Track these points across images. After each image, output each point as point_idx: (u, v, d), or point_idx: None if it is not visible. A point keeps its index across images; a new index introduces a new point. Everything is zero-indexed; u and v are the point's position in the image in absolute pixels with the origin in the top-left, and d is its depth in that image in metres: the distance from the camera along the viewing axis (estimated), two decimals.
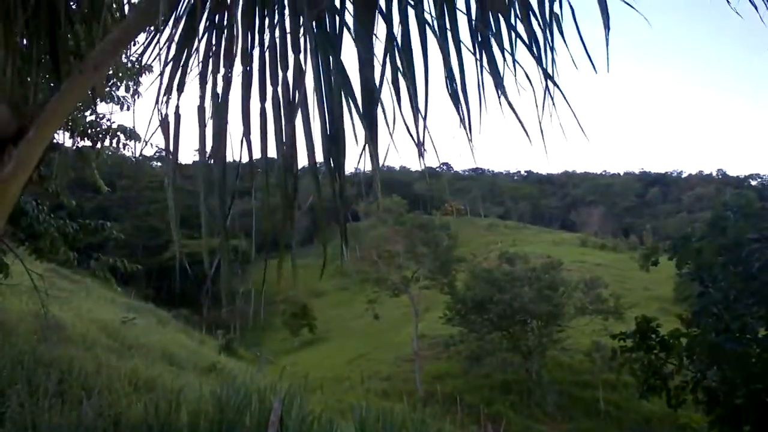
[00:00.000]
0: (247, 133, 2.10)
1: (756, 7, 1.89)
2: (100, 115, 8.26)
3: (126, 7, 2.83)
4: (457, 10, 2.23)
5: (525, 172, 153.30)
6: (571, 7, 2.00)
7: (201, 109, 2.04)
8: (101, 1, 2.39)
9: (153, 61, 2.21)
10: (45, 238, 8.28)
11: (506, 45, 2.13)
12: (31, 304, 11.19)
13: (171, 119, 1.99)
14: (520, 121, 2.00)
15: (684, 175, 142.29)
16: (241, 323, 56.82)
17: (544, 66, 2.00)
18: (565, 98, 1.90)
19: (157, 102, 1.98)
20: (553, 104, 1.92)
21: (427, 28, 2.18)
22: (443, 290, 38.88)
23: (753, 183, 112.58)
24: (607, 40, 1.90)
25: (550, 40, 2.02)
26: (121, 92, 7.62)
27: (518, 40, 2.09)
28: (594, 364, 32.48)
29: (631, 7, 1.97)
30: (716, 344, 7.52)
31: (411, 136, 2.09)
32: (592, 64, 1.87)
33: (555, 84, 1.94)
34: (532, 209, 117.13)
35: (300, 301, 53.50)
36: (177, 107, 2.02)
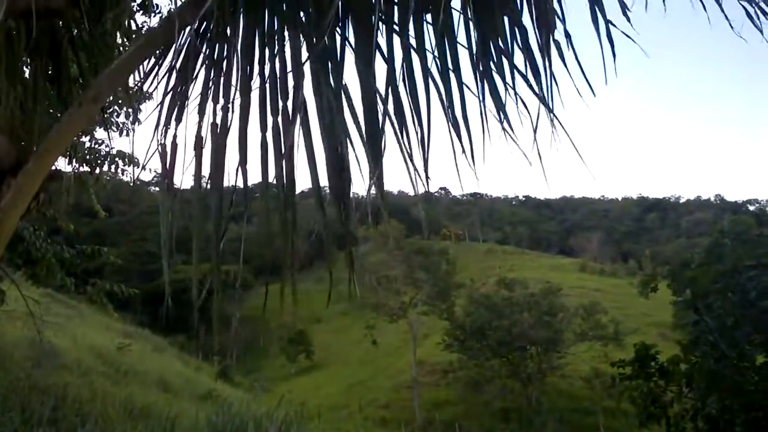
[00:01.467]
0: (243, 162, 2.11)
1: (761, 31, 1.91)
2: (99, 141, 8.31)
3: (124, 39, 2.87)
4: (458, 38, 2.26)
5: (523, 196, 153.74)
6: (567, 33, 2.02)
7: (198, 139, 2.05)
8: (102, 30, 2.42)
9: (153, 90, 2.23)
10: (42, 264, 8.26)
11: (507, 76, 2.16)
12: (27, 329, 11.10)
13: (168, 149, 2.00)
14: (521, 150, 2.02)
15: (682, 200, 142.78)
16: (238, 349, 56.39)
17: (545, 99, 2.02)
18: (565, 130, 1.91)
19: (155, 131, 1.99)
20: (553, 130, 1.94)
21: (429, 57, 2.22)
22: (442, 316, 38.70)
23: (751, 208, 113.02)
24: (605, 54, 1.92)
25: (548, 73, 2.04)
26: (121, 118, 7.68)
27: (517, 72, 2.11)
28: (594, 391, 32.22)
29: (631, 39, 2.00)
30: (715, 372, 7.47)
31: (414, 166, 2.10)
32: (591, 89, 1.89)
33: (555, 116, 1.96)
34: (531, 234, 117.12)
35: (297, 327, 53.20)
36: (175, 137, 2.04)
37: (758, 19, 1.93)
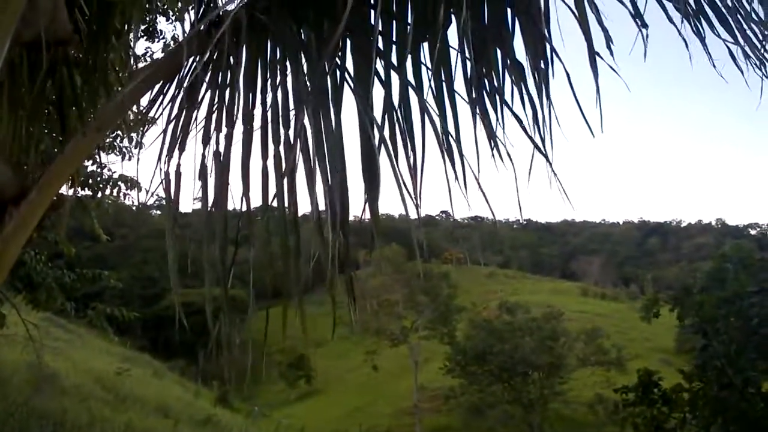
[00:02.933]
0: (246, 190, 2.15)
1: (742, 72, 1.94)
2: (102, 165, 8.35)
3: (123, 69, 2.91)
4: (454, 61, 2.31)
5: (524, 220, 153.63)
6: (566, 72, 2.06)
7: (203, 167, 2.08)
8: (104, 61, 2.46)
9: (158, 118, 2.27)
10: (43, 288, 8.26)
11: (499, 108, 2.21)
12: (26, 354, 11.03)
13: (172, 177, 2.02)
14: (515, 178, 2.05)
15: (683, 224, 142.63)
16: (237, 374, 55.92)
17: (539, 143, 2.06)
18: (555, 174, 1.94)
19: (159, 160, 2.02)
20: (548, 171, 1.97)
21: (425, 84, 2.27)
22: (443, 340, 38.47)
23: (752, 232, 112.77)
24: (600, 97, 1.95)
25: (545, 113, 2.09)
26: (124, 143, 7.72)
27: (510, 112, 2.16)
28: (597, 417, 31.89)
29: (615, 72, 2.03)
30: (720, 399, 7.41)
31: (408, 192, 2.13)
32: (590, 129, 1.92)
33: (548, 160, 1.99)
34: (532, 258, 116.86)
35: (298, 352, 52.84)
36: (178, 165, 2.07)
37: (740, 60, 1.96)
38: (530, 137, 2.18)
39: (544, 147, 2.16)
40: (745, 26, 2.02)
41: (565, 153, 2.20)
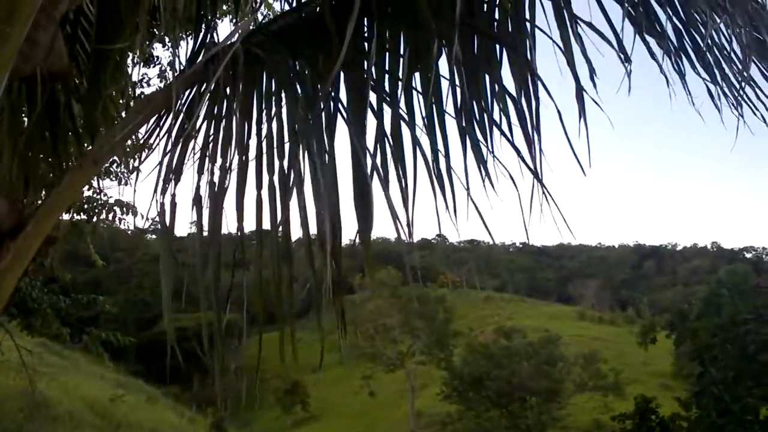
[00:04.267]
0: (240, 219, 2.17)
1: (719, 111, 1.99)
2: (98, 190, 8.36)
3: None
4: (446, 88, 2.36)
5: (520, 244, 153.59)
6: (558, 111, 2.11)
7: (197, 198, 2.11)
8: (103, 93, 2.50)
9: (155, 147, 2.30)
10: (38, 314, 8.22)
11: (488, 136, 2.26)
12: (19, 380, 10.94)
13: (167, 208, 2.05)
14: (509, 204, 2.09)
15: (679, 248, 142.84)
16: (232, 400, 55.29)
17: (534, 162, 2.10)
18: (552, 198, 1.97)
19: (154, 192, 2.05)
20: (541, 198, 2.00)
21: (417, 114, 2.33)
22: (440, 365, 38.21)
23: (748, 255, 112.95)
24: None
25: (536, 145, 2.13)
26: (120, 168, 7.74)
27: (506, 140, 2.20)
28: None
29: (599, 107, 2.08)
30: (718, 426, 7.38)
31: (398, 220, 2.17)
32: (581, 166, 1.96)
33: (544, 187, 2.03)
34: (529, 281, 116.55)
35: (292, 378, 52.34)
36: (173, 196, 2.10)
37: (719, 99, 2.01)
38: (524, 161, 2.22)
39: (538, 173, 2.20)
40: (724, 65, 2.08)
41: (559, 176, 2.24)
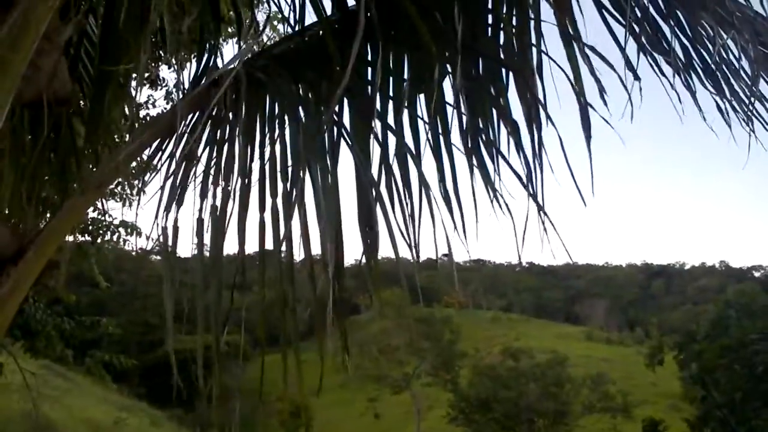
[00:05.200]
0: (242, 242, 2.16)
1: (730, 126, 1.98)
2: (102, 211, 8.38)
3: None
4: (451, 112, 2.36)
5: (527, 263, 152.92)
6: (559, 137, 2.10)
7: (200, 221, 2.09)
8: (107, 117, 2.50)
9: (159, 169, 2.29)
10: (41, 336, 8.21)
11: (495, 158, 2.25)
12: (22, 402, 10.89)
13: (170, 232, 2.04)
14: (514, 226, 2.08)
15: (687, 267, 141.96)
16: (235, 423, 54.75)
17: (533, 184, 2.08)
18: (553, 225, 1.95)
19: (156, 216, 2.04)
20: (543, 226, 1.98)
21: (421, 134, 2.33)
22: (446, 387, 37.88)
23: (756, 274, 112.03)
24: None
25: (538, 172, 2.12)
26: (125, 188, 7.76)
27: (508, 166, 2.20)
28: None
29: (608, 124, 2.06)
30: None
31: (404, 239, 2.16)
32: (582, 197, 1.94)
33: (544, 213, 2.01)
34: (536, 301, 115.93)
35: (297, 400, 51.88)
36: (176, 220, 2.08)
37: (727, 115, 2.00)
38: (526, 188, 2.21)
39: (539, 197, 2.19)
40: (733, 81, 2.07)
41: (565, 196, 2.22)
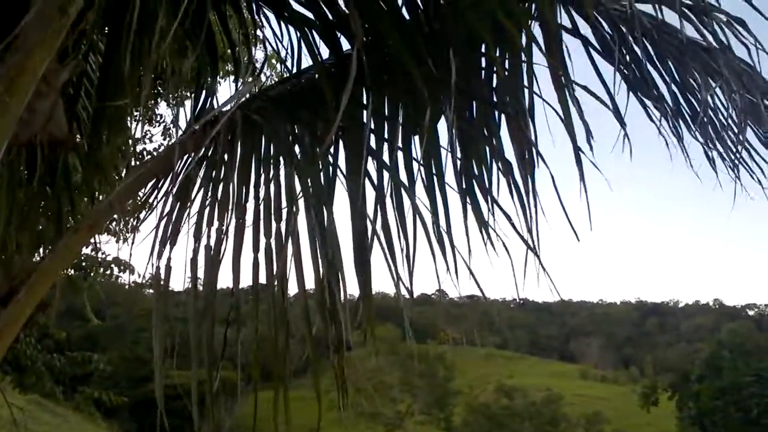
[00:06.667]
0: (236, 282, 2.15)
1: (717, 173, 2.01)
2: (95, 248, 8.33)
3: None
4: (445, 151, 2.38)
5: (521, 300, 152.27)
6: (551, 174, 2.12)
7: (194, 262, 2.09)
8: (104, 157, 2.52)
9: (154, 208, 2.30)
10: (31, 372, 8.09)
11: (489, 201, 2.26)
12: None
13: (163, 272, 2.03)
14: (512, 265, 2.09)
15: (681, 305, 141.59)
16: None
17: (528, 224, 2.10)
18: (545, 269, 1.96)
19: (150, 255, 2.03)
20: (537, 266, 2.00)
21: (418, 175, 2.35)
22: (440, 426, 37.34)
23: (750, 313, 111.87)
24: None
25: (532, 210, 2.14)
26: (119, 225, 7.73)
27: (498, 209, 2.21)
28: None
29: (597, 168, 2.09)
30: None
31: (399, 280, 2.16)
32: (575, 234, 1.96)
33: (536, 253, 2.03)
34: (530, 338, 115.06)
35: None
36: (169, 259, 2.08)
37: (713, 162, 2.04)
38: (518, 232, 2.22)
39: (534, 235, 2.21)
40: (719, 129, 2.10)
41: (560, 232, 2.23)
